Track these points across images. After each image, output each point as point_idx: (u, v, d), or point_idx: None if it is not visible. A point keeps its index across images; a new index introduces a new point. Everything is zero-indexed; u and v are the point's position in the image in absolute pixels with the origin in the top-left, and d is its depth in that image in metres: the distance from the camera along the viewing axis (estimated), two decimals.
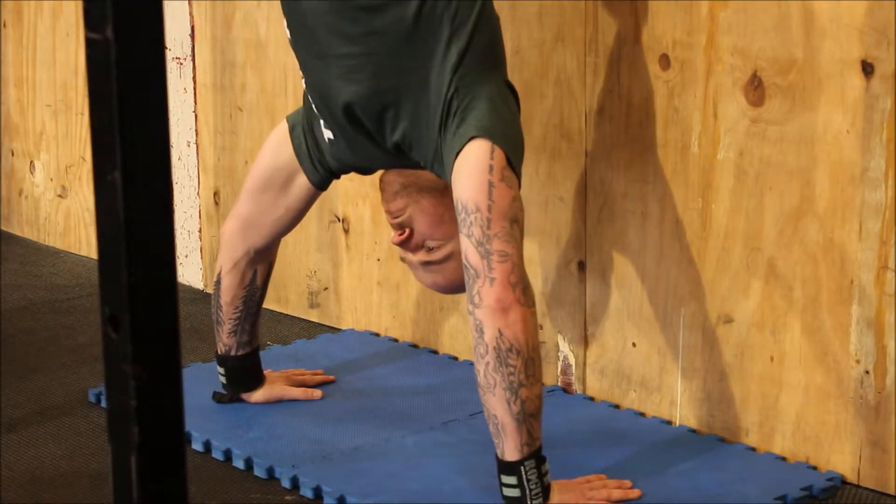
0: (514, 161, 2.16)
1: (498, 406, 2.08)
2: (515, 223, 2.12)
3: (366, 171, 2.48)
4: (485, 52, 2.22)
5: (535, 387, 2.09)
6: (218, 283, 2.59)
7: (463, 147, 2.15)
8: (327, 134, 2.38)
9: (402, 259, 2.40)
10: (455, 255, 2.31)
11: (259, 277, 2.59)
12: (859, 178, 2.21)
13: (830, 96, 2.23)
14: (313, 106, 2.37)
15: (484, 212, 2.11)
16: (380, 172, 2.44)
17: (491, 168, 2.13)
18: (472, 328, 2.09)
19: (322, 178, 2.48)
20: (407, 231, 2.32)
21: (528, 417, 2.08)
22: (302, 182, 2.48)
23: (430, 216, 2.32)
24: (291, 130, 2.48)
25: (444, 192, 2.30)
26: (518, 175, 2.17)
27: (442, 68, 2.18)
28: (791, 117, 2.28)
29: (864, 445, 2.28)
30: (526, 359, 2.07)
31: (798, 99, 2.27)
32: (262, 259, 2.58)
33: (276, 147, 2.50)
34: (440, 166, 2.23)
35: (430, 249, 2.33)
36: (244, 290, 2.58)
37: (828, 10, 2.21)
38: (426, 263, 2.34)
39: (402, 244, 2.34)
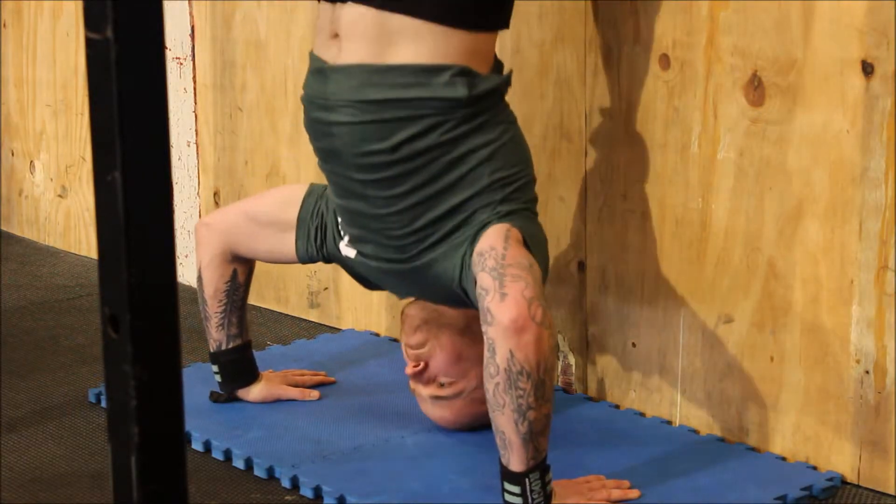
0: (533, 251, 2.18)
1: (506, 425, 2.08)
2: (532, 268, 2.12)
3: (371, 286, 2.49)
4: (514, 181, 2.24)
5: (543, 407, 2.07)
6: (199, 279, 2.60)
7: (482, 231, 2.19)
8: (348, 252, 2.39)
9: (412, 390, 2.45)
10: (465, 394, 2.39)
11: (240, 276, 2.59)
12: (859, 178, 2.21)
13: (830, 96, 2.23)
14: (339, 221, 2.39)
15: (499, 249, 2.13)
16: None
17: (507, 235, 2.16)
18: (485, 346, 2.08)
19: (309, 259, 2.50)
20: (422, 364, 2.39)
21: (536, 436, 2.08)
22: (291, 244, 2.50)
23: (448, 353, 2.38)
24: (307, 196, 2.48)
25: (463, 330, 2.36)
26: (543, 270, 2.19)
27: (475, 191, 2.20)
28: (791, 117, 2.28)
29: (864, 445, 2.28)
30: (536, 382, 2.05)
31: (798, 99, 2.27)
32: (240, 262, 2.59)
33: (285, 203, 2.52)
34: (464, 273, 2.22)
35: (441, 385, 2.40)
36: (225, 285, 2.58)
37: (828, 10, 2.21)
38: (436, 398, 2.41)
39: (415, 376, 2.40)
